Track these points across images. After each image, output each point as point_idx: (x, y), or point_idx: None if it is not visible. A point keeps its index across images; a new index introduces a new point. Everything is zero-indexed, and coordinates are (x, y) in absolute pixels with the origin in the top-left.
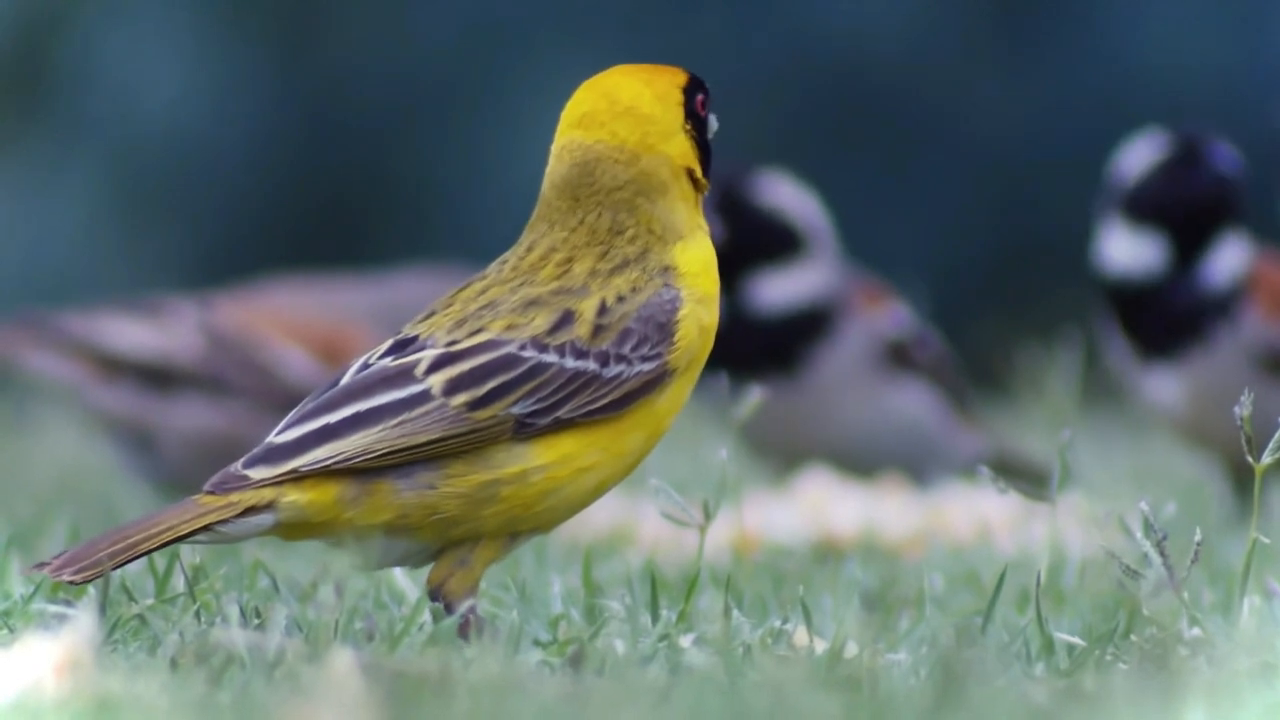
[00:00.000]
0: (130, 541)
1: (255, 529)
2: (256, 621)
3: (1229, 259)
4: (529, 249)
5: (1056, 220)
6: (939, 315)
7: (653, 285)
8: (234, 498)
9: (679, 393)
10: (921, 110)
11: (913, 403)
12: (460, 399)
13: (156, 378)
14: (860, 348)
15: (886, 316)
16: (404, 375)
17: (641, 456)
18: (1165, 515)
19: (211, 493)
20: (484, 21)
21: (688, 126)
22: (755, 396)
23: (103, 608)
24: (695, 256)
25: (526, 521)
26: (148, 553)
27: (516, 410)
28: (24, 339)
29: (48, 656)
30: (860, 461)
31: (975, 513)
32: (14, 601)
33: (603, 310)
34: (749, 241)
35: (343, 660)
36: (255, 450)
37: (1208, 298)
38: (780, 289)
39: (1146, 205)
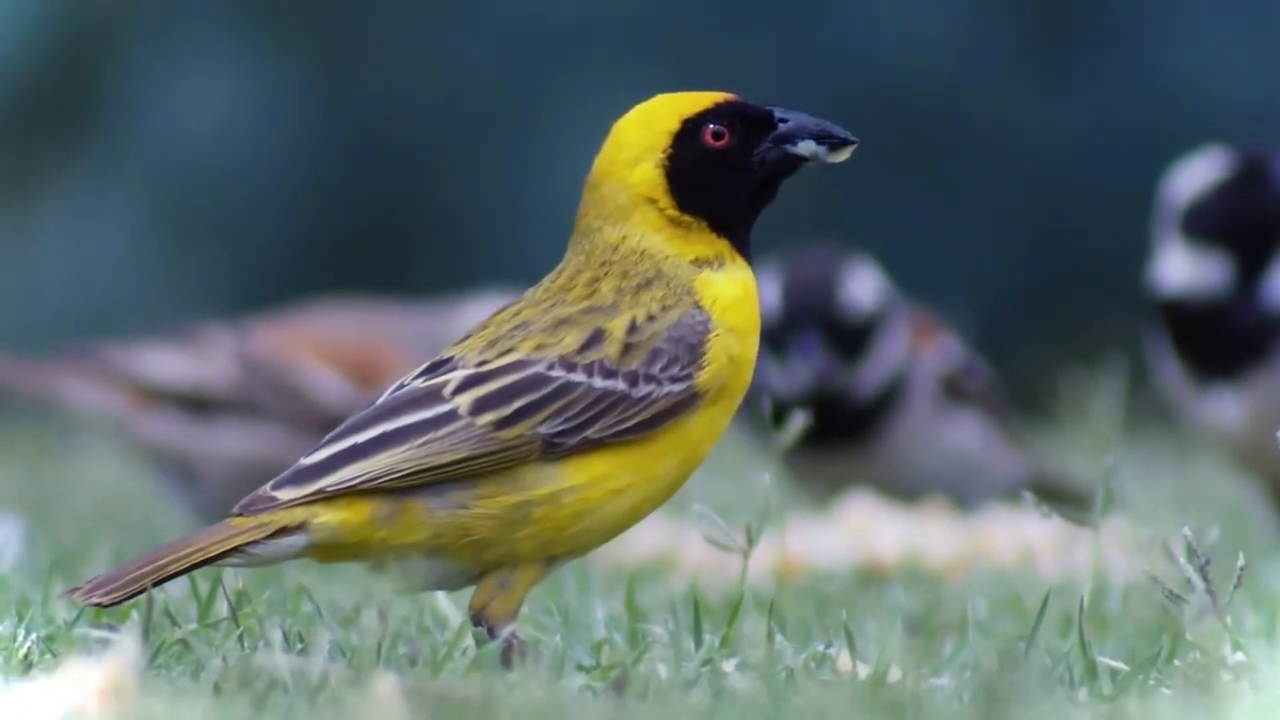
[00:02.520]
0: (160, 564)
1: (288, 550)
2: (299, 646)
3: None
4: (560, 271)
5: (1101, 244)
6: (983, 339)
7: (682, 306)
8: (265, 518)
9: (712, 419)
10: (965, 132)
11: (964, 434)
12: (487, 418)
13: (196, 406)
14: (921, 390)
15: (938, 352)
16: (432, 396)
17: (677, 482)
18: (1208, 540)
19: (241, 514)
20: (528, 44)
21: (666, 154)
22: (799, 422)
23: (146, 632)
24: (722, 290)
25: (562, 544)
26: (177, 574)
27: (544, 430)
28: (67, 371)
29: (91, 681)
30: (909, 490)
31: (1018, 537)
32: (57, 626)
33: (632, 329)
34: (849, 350)
35: (386, 685)
36: (285, 472)
37: (1272, 317)
38: (871, 376)
39: (1208, 224)
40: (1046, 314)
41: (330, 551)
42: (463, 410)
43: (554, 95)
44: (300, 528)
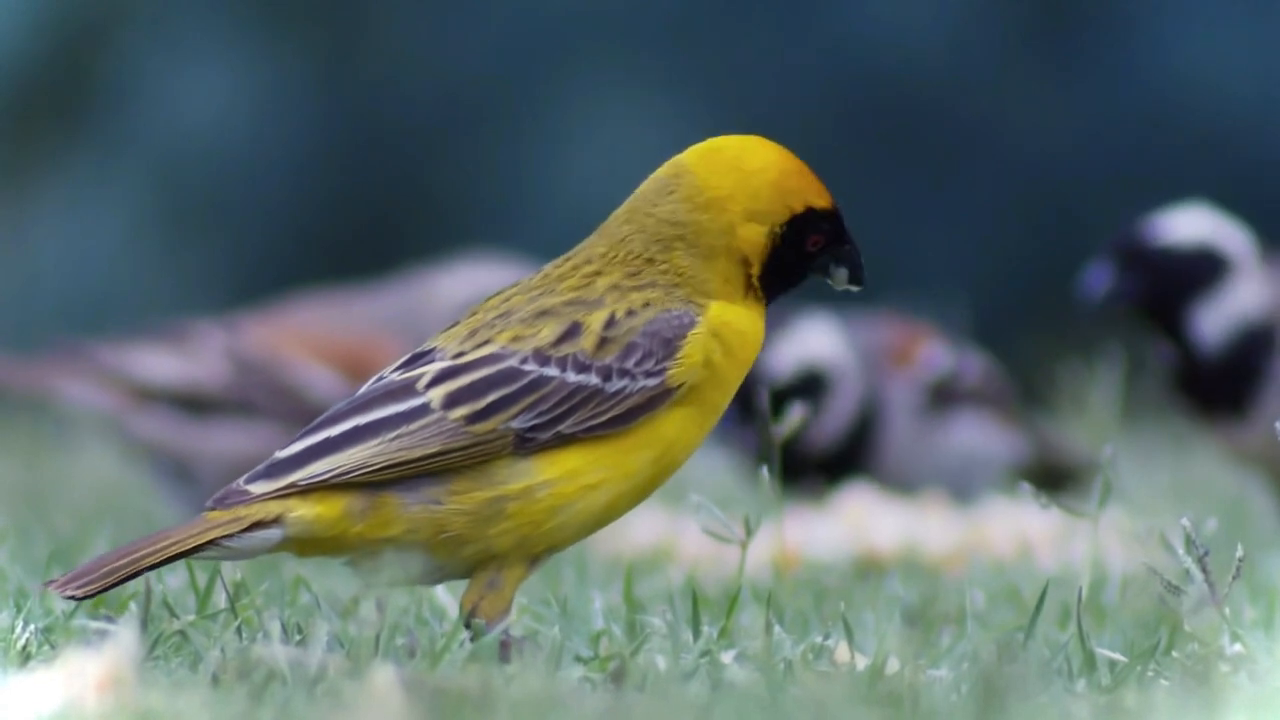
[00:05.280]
0: (135, 557)
1: (263, 544)
2: (298, 637)
3: (1218, 318)
4: (567, 258)
5: (1098, 235)
6: (980, 330)
7: (669, 303)
8: (240, 512)
9: (688, 421)
10: (964, 125)
11: (960, 434)
12: (459, 412)
13: (190, 405)
14: (904, 411)
15: (922, 364)
16: (406, 389)
17: (652, 479)
18: (1207, 531)
19: (214, 508)
20: (525, 37)
21: (778, 232)
22: (797, 414)
23: (144, 624)
24: (736, 316)
25: (539, 541)
26: (152, 567)
27: (517, 424)
28: (60, 371)
29: (89, 672)
30: (909, 484)
31: (1016, 528)
32: (55, 617)
33: (610, 323)
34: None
35: (384, 676)
36: (259, 466)
37: (1211, 364)
38: (829, 426)
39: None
40: (1044, 305)
41: (306, 545)
42: (435, 404)
43: (551, 88)
44: (275, 522)
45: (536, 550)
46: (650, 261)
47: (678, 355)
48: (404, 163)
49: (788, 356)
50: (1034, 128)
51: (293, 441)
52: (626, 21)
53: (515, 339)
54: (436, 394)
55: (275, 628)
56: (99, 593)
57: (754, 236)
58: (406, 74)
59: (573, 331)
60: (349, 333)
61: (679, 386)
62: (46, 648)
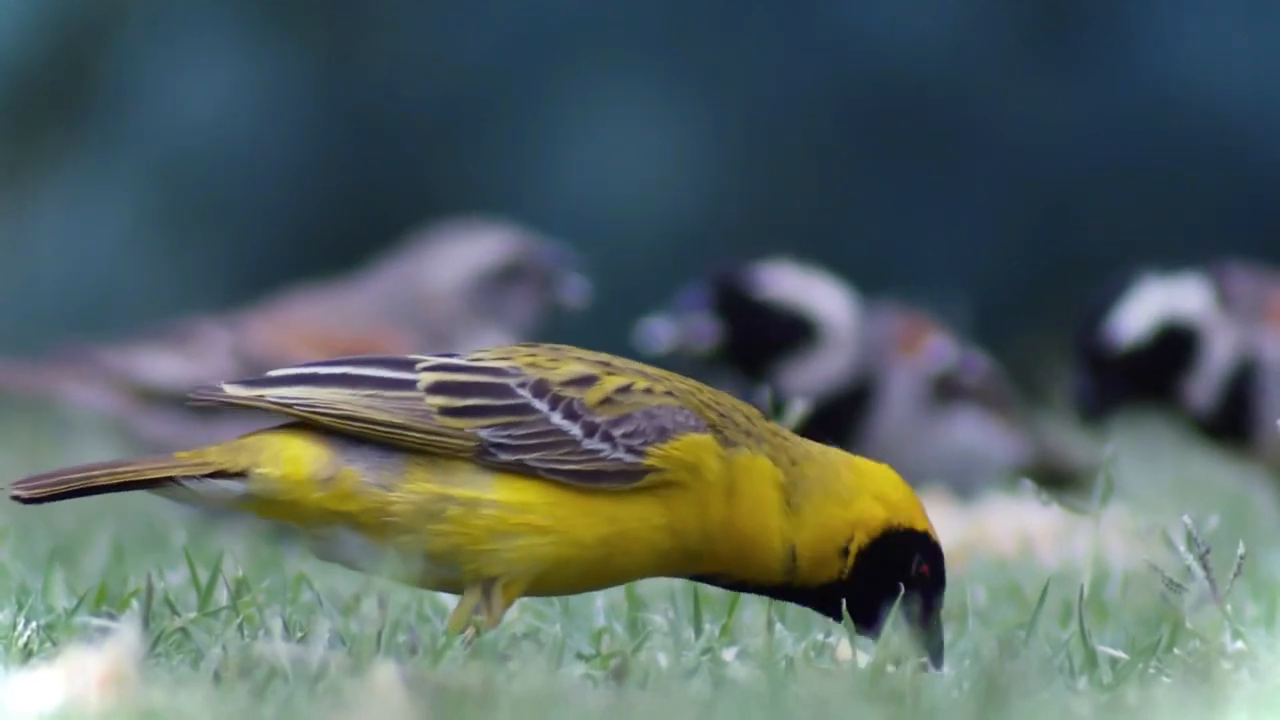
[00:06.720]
0: (91, 474)
1: (223, 495)
2: (299, 635)
3: (1206, 384)
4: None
5: (1099, 232)
6: (981, 327)
7: (681, 404)
8: (209, 457)
9: (649, 515)
10: (965, 122)
11: (961, 430)
12: (438, 400)
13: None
14: (904, 396)
15: (928, 354)
16: (406, 363)
17: (598, 563)
18: (1208, 528)
19: (191, 395)
20: (527, 34)
21: (894, 534)
22: (800, 407)
23: (146, 621)
24: (770, 480)
25: (473, 559)
26: (105, 488)
27: (485, 434)
28: (65, 374)
29: (91, 669)
30: (907, 477)
31: (1017, 525)
32: (57, 615)
33: (624, 390)
34: (755, 336)
35: (386, 673)
36: (250, 377)
37: (1208, 417)
38: (800, 379)
39: None
40: (1046, 301)
41: (266, 506)
42: (421, 385)
43: (552, 88)
44: (240, 475)
45: (466, 569)
46: (743, 414)
47: (667, 445)
48: (405, 162)
49: (784, 288)
50: (1035, 127)
51: (293, 364)
52: (627, 21)
53: (531, 365)
54: (427, 378)
55: (277, 625)
56: (46, 499)
57: (874, 517)
58: (407, 73)
59: (587, 380)
60: (354, 329)
61: (652, 470)
62: (48, 645)
